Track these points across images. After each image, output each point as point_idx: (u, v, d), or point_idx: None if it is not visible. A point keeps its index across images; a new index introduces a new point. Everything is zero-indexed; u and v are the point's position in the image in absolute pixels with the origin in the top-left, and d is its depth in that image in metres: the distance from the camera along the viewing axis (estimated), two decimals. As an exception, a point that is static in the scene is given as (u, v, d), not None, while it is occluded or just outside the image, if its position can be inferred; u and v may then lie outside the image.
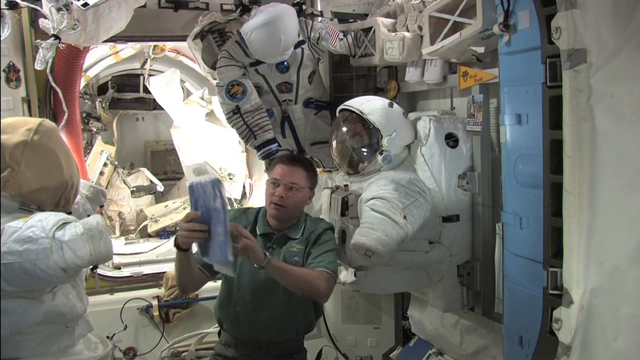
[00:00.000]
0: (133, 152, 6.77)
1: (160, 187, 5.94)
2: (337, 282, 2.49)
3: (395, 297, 3.66)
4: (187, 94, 5.90)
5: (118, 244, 5.11)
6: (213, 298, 2.91)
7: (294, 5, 3.34)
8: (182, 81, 5.64)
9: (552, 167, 1.94)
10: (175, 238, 2.19)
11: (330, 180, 3.17)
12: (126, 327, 3.66)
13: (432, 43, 2.74)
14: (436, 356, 3.21)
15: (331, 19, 3.54)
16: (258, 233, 2.62)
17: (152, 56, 5.54)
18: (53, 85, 3.30)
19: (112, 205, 5.72)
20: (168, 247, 4.84)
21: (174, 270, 2.39)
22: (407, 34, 2.98)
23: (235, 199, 5.68)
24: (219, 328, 2.74)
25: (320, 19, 3.55)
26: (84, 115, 5.69)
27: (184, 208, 5.63)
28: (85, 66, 4.18)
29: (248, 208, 2.89)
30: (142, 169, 6.14)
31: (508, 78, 2.17)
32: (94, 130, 5.93)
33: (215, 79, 3.46)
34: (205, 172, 2.11)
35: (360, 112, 2.76)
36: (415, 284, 2.97)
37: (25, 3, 2.74)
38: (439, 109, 3.02)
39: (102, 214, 4.12)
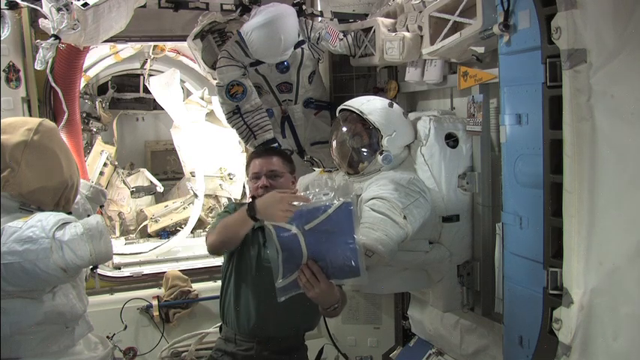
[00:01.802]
0: (133, 152, 6.77)
1: (160, 188, 5.95)
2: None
3: (395, 297, 3.66)
4: (187, 94, 5.91)
5: (118, 244, 5.12)
6: (214, 298, 2.91)
7: (294, 5, 3.34)
8: (182, 81, 5.65)
9: (552, 167, 1.94)
10: (252, 207, 2.20)
11: (330, 180, 3.16)
12: (126, 327, 3.66)
13: (432, 43, 2.73)
14: (436, 356, 3.20)
15: (331, 19, 3.54)
16: (254, 227, 2.63)
17: (152, 56, 5.55)
18: (53, 85, 3.30)
19: (112, 205, 5.73)
20: (168, 247, 4.84)
21: (227, 230, 2.37)
22: (407, 34, 2.98)
23: (235, 199, 5.69)
24: (220, 326, 2.74)
25: (320, 19, 3.55)
26: (84, 115, 5.69)
27: (184, 208, 5.64)
28: (85, 66, 4.19)
29: (243, 203, 2.90)
30: (141, 169, 6.15)
31: (508, 78, 2.18)
32: (94, 130, 5.94)
33: (215, 79, 3.46)
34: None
35: (360, 112, 2.76)
36: (415, 284, 2.97)
37: (25, 3, 2.74)
38: (439, 109, 3.02)
39: (102, 214, 4.12)
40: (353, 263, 2.09)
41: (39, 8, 2.66)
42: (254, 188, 2.61)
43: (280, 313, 2.49)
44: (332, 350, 3.74)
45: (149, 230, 5.49)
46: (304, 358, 2.74)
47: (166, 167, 6.89)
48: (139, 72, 5.96)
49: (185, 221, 5.37)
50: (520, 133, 2.10)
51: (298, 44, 3.36)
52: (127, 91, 6.35)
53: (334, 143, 2.93)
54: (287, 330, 2.59)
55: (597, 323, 1.77)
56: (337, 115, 2.99)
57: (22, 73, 3.25)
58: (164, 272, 4.02)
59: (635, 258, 1.68)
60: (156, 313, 3.76)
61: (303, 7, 3.47)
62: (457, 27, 2.58)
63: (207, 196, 5.59)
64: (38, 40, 2.67)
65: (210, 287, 3.95)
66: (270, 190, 2.52)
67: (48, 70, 3.23)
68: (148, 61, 5.64)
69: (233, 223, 2.35)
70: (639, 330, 1.69)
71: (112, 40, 3.25)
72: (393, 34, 3.06)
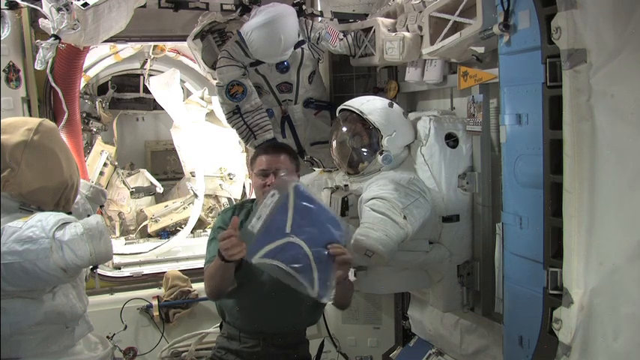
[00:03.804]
0: (133, 152, 6.77)
1: (160, 189, 5.96)
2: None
3: (395, 297, 3.66)
4: (187, 94, 5.91)
5: (118, 244, 5.12)
6: (213, 298, 2.91)
7: (294, 5, 3.34)
8: (182, 81, 5.65)
9: (552, 167, 1.94)
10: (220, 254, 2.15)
11: (330, 180, 3.16)
12: (126, 327, 3.66)
13: (432, 43, 2.74)
14: (436, 356, 3.21)
15: (331, 19, 3.54)
16: None
17: (152, 56, 5.55)
18: (53, 85, 3.30)
19: (112, 205, 5.73)
20: (168, 247, 4.84)
21: (214, 281, 2.35)
22: (407, 34, 2.98)
23: (235, 199, 5.69)
24: (219, 326, 2.74)
25: (320, 19, 3.55)
26: (84, 115, 5.69)
27: (184, 208, 5.64)
28: (85, 66, 4.19)
29: (243, 202, 2.88)
30: (141, 170, 6.16)
31: (508, 78, 2.18)
32: (94, 130, 5.94)
33: (215, 79, 3.47)
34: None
35: (360, 112, 2.76)
36: (415, 284, 2.97)
37: (25, 3, 2.74)
38: (439, 109, 3.02)
39: (102, 214, 4.11)
40: (336, 223, 2.10)
41: (39, 8, 2.66)
42: (261, 185, 2.58)
43: (286, 309, 2.49)
44: (332, 346, 3.74)
45: (149, 230, 5.50)
46: (307, 351, 2.75)
47: (166, 167, 6.89)
48: (139, 72, 5.96)
49: (185, 221, 5.37)
50: (520, 133, 2.10)
51: (298, 44, 3.36)
52: (127, 91, 6.35)
53: (334, 143, 2.93)
54: (292, 325, 2.60)
55: (597, 323, 1.77)
56: (337, 115, 2.99)
57: (22, 73, 3.24)
58: (164, 272, 4.01)
59: (635, 258, 1.67)
60: (156, 313, 3.76)
61: (303, 7, 3.48)
62: (457, 27, 2.58)
63: (207, 196, 5.59)
64: (38, 40, 2.67)
65: (209, 287, 3.94)
66: None
67: (48, 70, 3.23)
68: (148, 61, 5.64)
69: (215, 274, 2.33)
70: (639, 330, 1.68)
71: (112, 40, 3.25)
72: (393, 34, 3.06)
